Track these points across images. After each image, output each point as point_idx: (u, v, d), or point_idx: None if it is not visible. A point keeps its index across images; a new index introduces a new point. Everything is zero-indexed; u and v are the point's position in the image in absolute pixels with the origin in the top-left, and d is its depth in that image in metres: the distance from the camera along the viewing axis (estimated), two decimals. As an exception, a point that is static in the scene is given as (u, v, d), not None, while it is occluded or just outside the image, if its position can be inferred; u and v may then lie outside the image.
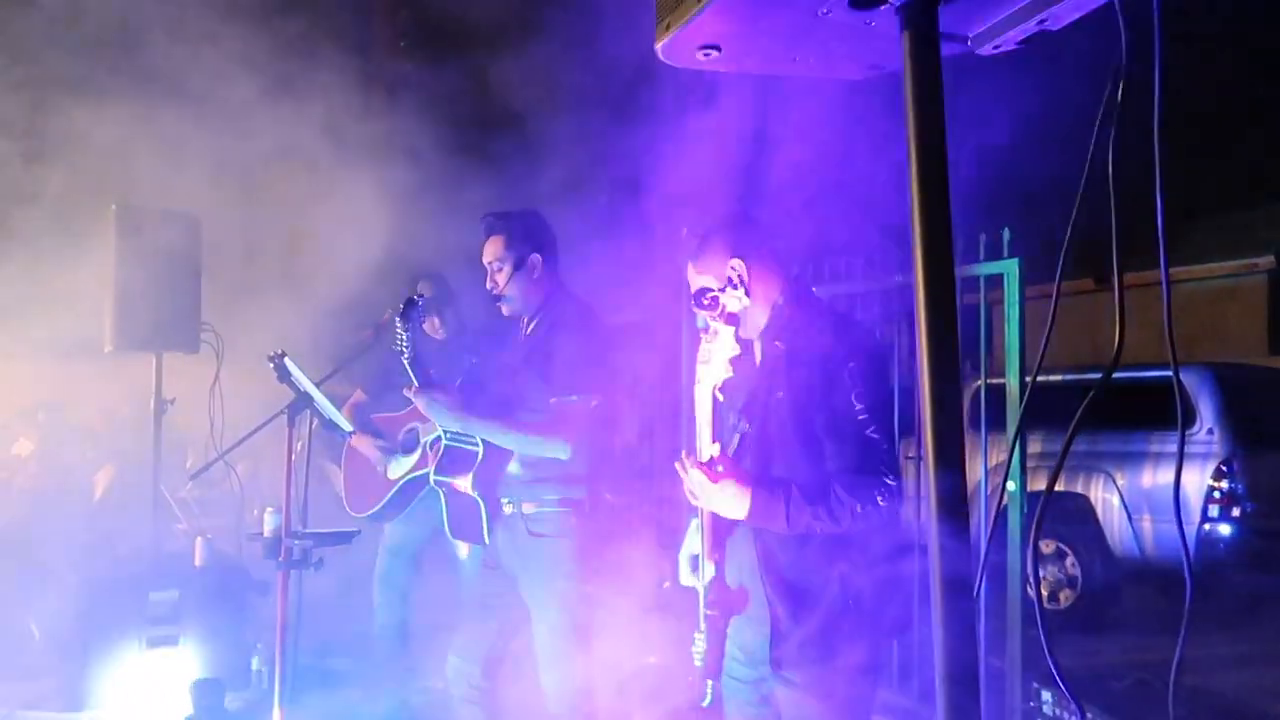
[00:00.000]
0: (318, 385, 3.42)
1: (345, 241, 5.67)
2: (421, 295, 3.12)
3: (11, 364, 8.74)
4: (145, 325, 4.44)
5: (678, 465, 2.03)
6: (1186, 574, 1.19)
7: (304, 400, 3.29)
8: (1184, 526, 6.38)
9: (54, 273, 5.65)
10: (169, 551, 5.29)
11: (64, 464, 6.58)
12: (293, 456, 3.32)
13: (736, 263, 2.20)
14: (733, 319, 1.96)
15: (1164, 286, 1.23)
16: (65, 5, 5.59)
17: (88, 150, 5.44)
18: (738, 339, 2.26)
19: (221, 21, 5.81)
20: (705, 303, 1.95)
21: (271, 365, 3.27)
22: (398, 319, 2.90)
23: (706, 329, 2.00)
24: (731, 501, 1.99)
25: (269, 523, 3.14)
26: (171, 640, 4.39)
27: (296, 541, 3.12)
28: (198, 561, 4.77)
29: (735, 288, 2.15)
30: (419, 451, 3.93)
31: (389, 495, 3.99)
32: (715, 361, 1.97)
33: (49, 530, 5.95)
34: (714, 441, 2.05)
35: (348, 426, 3.69)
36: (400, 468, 3.95)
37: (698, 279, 2.26)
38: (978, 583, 1.27)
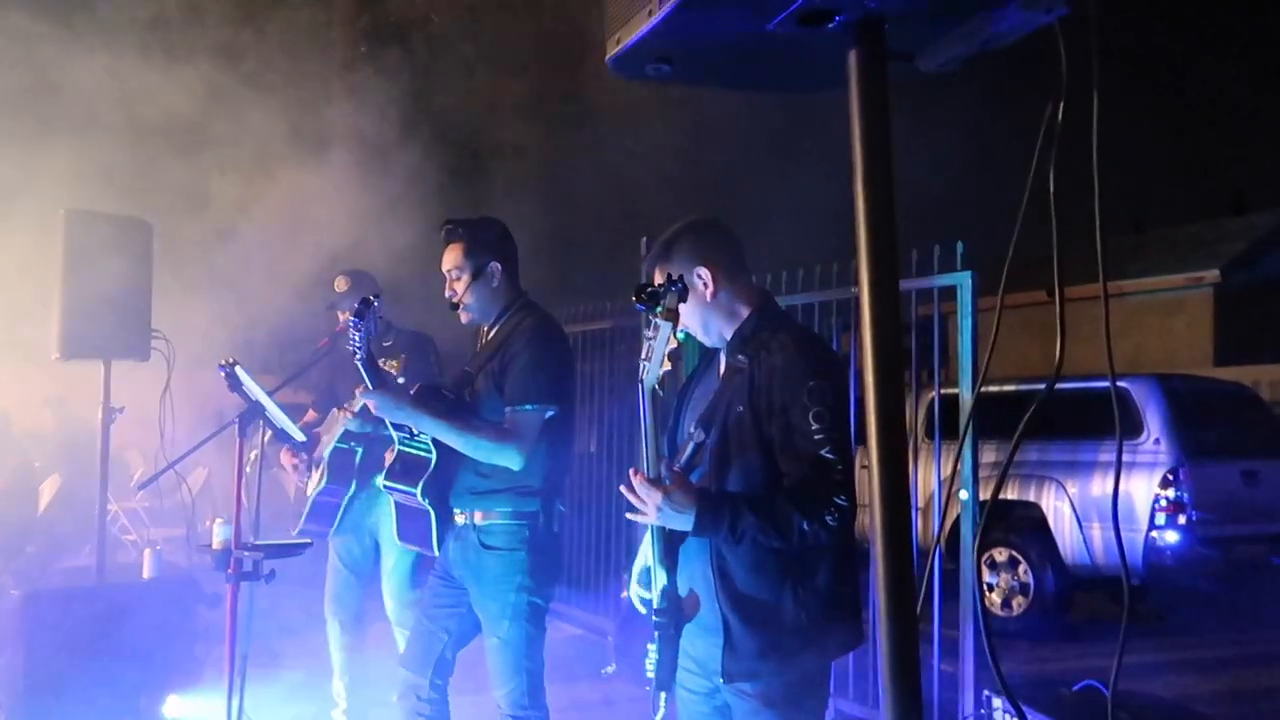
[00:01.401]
0: (270, 394, 3.37)
1: (301, 249, 5.62)
2: (378, 295, 3.07)
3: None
4: (94, 332, 4.34)
5: (627, 483, 2.03)
6: (1125, 582, 1.22)
7: (255, 410, 3.24)
8: (1133, 534, 6.52)
9: (4, 280, 5.52)
10: (118, 563, 5.19)
11: (9, 473, 6.41)
12: (245, 467, 3.27)
13: (704, 271, 2.20)
14: (673, 315, 1.96)
15: (1103, 300, 1.26)
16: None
17: (35, 154, 5.34)
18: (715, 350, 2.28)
19: (174, 23, 5.74)
20: (644, 298, 1.95)
21: (223, 374, 3.22)
22: (351, 319, 2.84)
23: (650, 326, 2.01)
24: (677, 514, 1.98)
25: (219, 534, 3.09)
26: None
27: (246, 553, 3.07)
28: (146, 573, 4.67)
29: (692, 291, 2.17)
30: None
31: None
32: (655, 357, 1.98)
33: (-8, 542, 5.81)
34: (659, 437, 2.05)
35: (300, 437, 3.64)
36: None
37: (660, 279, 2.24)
38: (921, 588, 1.29)
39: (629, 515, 2.07)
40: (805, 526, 1.95)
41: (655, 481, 1.99)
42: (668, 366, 1.99)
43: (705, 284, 2.21)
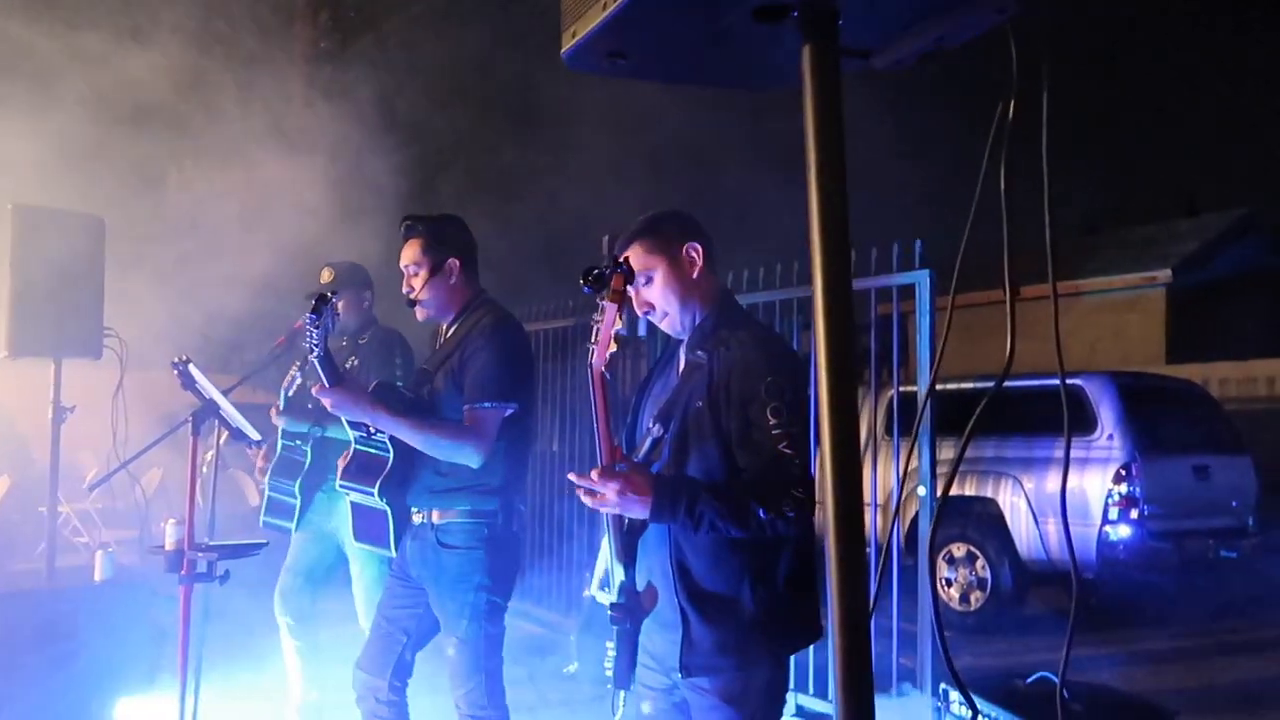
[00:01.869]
0: (225, 393, 3.32)
1: (258, 245, 5.55)
2: (335, 291, 3.02)
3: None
4: (44, 330, 4.25)
5: (580, 478, 2.02)
6: (1073, 574, 1.24)
7: (210, 409, 3.19)
8: (1087, 528, 6.63)
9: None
10: (68, 565, 5.08)
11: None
12: (199, 466, 3.22)
13: (697, 246, 2.22)
14: (619, 297, 1.97)
15: (1053, 299, 1.28)
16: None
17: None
18: (675, 346, 2.28)
19: (132, 18, 5.63)
20: (590, 280, 1.96)
21: (176, 372, 3.17)
22: (308, 315, 2.78)
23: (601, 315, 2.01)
24: (635, 496, 1.97)
25: (171, 535, 3.03)
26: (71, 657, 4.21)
27: (200, 554, 3.02)
28: (98, 576, 4.58)
29: (648, 283, 2.19)
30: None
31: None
32: (602, 340, 1.99)
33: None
34: (610, 420, 2.05)
35: (255, 435, 3.59)
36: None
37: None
38: (876, 583, 1.30)
39: (584, 499, 2.06)
40: (763, 515, 1.96)
41: (608, 471, 1.99)
42: (614, 348, 2.00)
43: (695, 260, 2.23)
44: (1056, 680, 3.10)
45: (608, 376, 2.03)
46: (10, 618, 4.20)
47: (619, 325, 2.00)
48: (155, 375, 4.79)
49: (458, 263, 3.02)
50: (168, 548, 3.04)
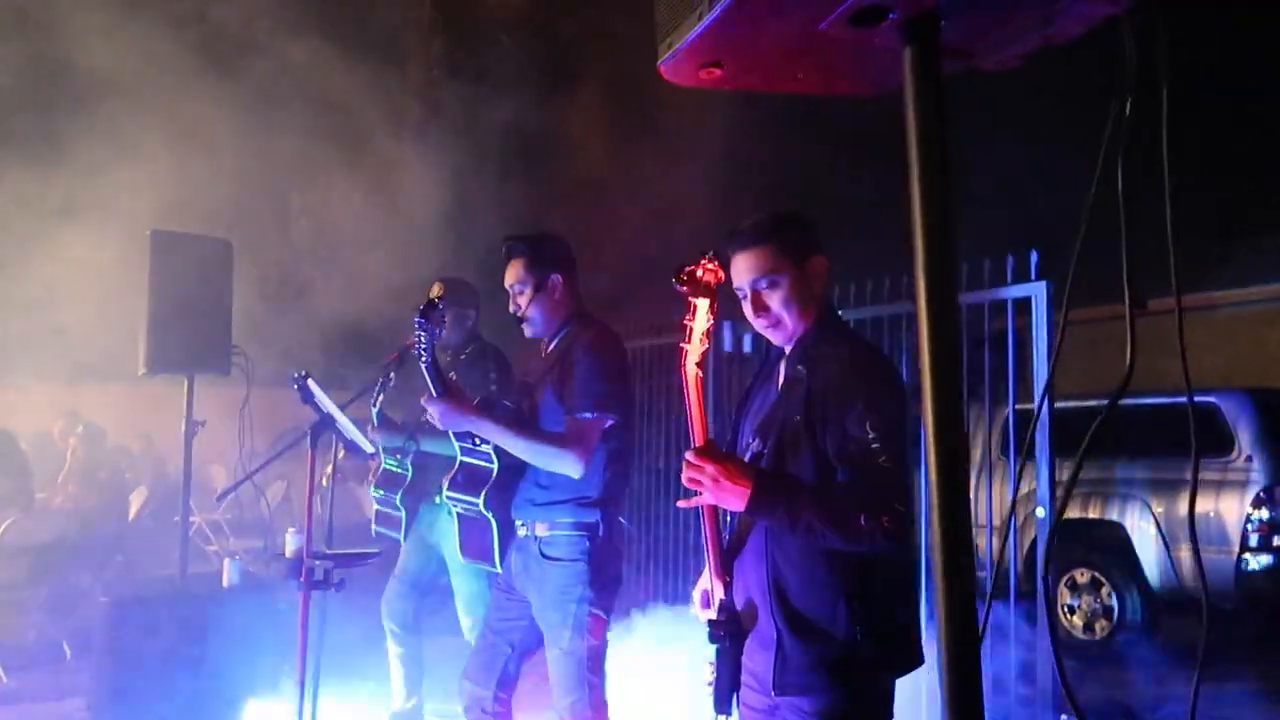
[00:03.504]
0: (342, 408, 3.43)
1: (373, 264, 5.74)
2: (442, 298, 3.09)
3: (51, 387, 8.93)
4: (178, 348, 4.50)
5: (687, 453, 2.00)
6: (1204, 604, 1.16)
7: (326, 422, 3.31)
8: (1224, 556, 6.23)
9: (91, 298, 5.77)
10: (199, 572, 5.34)
11: (100, 485, 6.67)
12: (316, 478, 3.34)
13: (822, 261, 2.17)
14: (710, 293, 1.94)
15: (1177, 312, 1.21)
16: (105, 27, 5.73)
17: (124, 177, 5.57)
18: (774, 361, 2.23)
19: (256, 50, 5.93)
20: (682, 278, 1.94)
21: (295, 387, 3.29)
22: (416, 319, 2.85)
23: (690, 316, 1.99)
24: (733, 484, 1.93)
25: (290, 544, 3.16)
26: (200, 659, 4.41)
27: (318, 562, 3.12)
28: (225, 582, 4.80)
29: (771, 288, 2.14)
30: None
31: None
32: (694, 338, 1.97)
33: (85, 551, 6.04)
34: (704, 420, 2.02)
35: (369, 448, 3.70)
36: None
37: (744, 274, 2.18)
38: (986, 609, 1.24)
39: (681, 504, 2.03)
40: (863, 523, 1.90)
41: (706, 450, 1.96)
42: (706, 346, 1.98)
43: (820, 274, 2.18)
44: (1183, 716, 2.92)
45: (701, 375, 2.01)
46: (147, 620, 4.44)
47: (710, 322, 1.98)
48: (277, 392, 5.00)
49: (560, 279, 3.06)
50: (288, 556, 3.15)
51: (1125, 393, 1.24)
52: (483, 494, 2.93)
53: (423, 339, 2.84)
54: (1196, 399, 6.28)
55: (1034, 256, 4.07)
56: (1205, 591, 1.21)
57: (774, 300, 2.15)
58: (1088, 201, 1.20)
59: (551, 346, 3.08)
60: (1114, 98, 1.13)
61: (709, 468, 1.94)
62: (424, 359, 2.87)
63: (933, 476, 1.09)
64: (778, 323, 2.17)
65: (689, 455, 1.98)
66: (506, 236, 3.13)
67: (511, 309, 3.11)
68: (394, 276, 5.23)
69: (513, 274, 3.09)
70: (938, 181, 1.12)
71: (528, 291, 3.05)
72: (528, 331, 3.11)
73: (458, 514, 3.08)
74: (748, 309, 2.20)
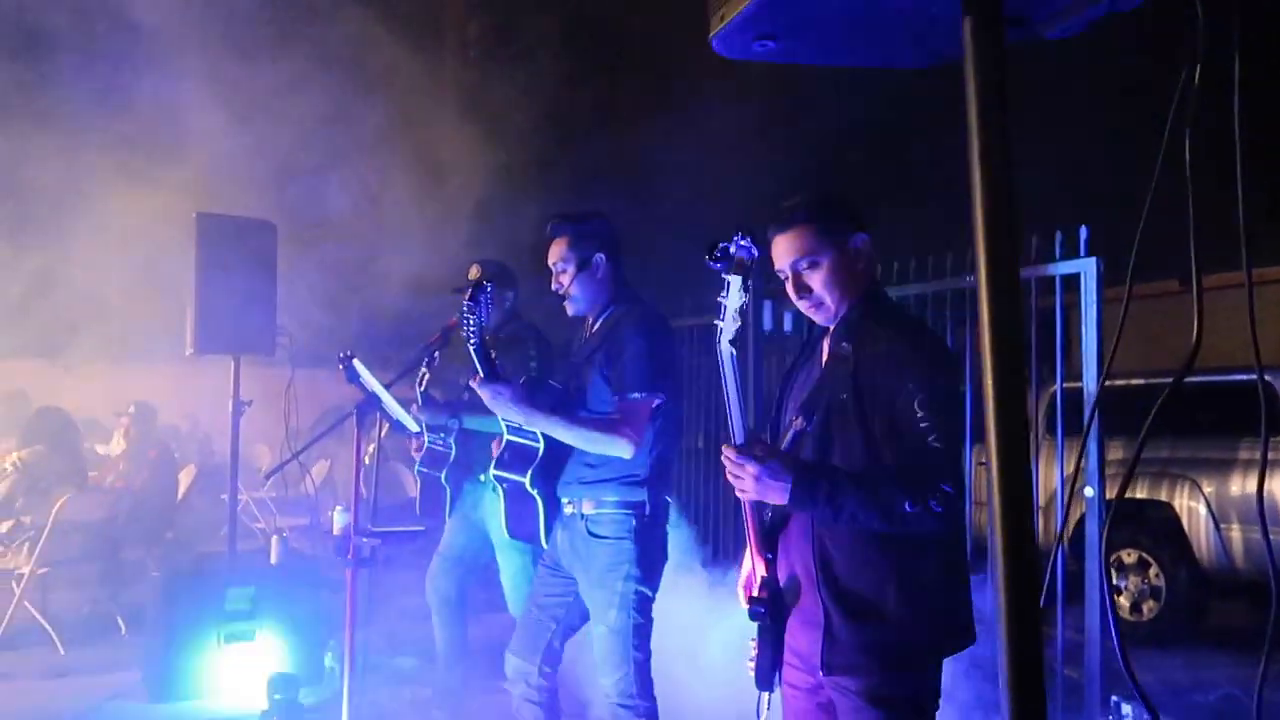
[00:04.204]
0: (387, 387, 3.46)
1: (416, 246, 5.77)
2: (490, 281, 3.09)
3: (103, 368, 9.12)
4: (224, 329, 4.56)
5: (725, 448, 1.99)
6: (1272, 581, 1.13)
7: (372, 401, 3.34)
8: (1277, 536, 6.09)
9: (139, 280, 5.87)
10: (246, 549, 5.44)
11: (151, 464, 6.80)
12: (362, 457, 3.37)
13: (864, 239, 2.14)
14: (744, 269, 1.93)
15: (1247, 282, 1.17)
16: (153, 18, 5.79)
17: (170, 161, 5.64)
18: (818, 338, 2.21)
19: (298, 33, 5.95)
20: (716, 255, 1.93)
21: (341, 366, 3.32)
22: (465, 302, 2.85)
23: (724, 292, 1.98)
24: (773, 481, 1.93)
25: (338, 521, 3.20)
26: (248, 635, 4.51)
27: (365, 540, 3.16)
28: (273, 559, 4.89)
29: (812, 268, 2.12)
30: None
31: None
32: (728, 315, 1.96)
33: (136, 528, 6.17)
34: (740, 403, 2.01)
35: (414, 427, 3.74)
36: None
37: (785, 255, 2.16)
38: (1044, 588, 1.22)
39: (730, 478, 2.02)
40: (909, 509, 1.87)
41: (746, 448, 1.95)
42: (739, 323, 1.97)
43: (862, 253, 2.15)
44: (1243, 696, 2.87)
45: (734, 353, 2.00)
46: (198, 595, 4.54)
47: (744, 300, 1.96)
48: (321, 372, 5.06)
49: (604, 257, 3.05)
50: (335, 533, 3.19)
51: (1189, 371, 1.21)
52: (529, 472, 2.94)
53: (470, 321, 2.84)
54: (1249, 376, 6.13)
55: (1083, 232, 3.98)
56: (1274, 572, 1.17)
57: (815, 281, 2.14)
58: (1154, 174, 1.16)
59: (596, 326, 3.08)
60: (1182, 66, 1.09)
61: (749, 466, 1.94)
62: (473, 340, 2.87)
63: (993, 457, 1.07)
64: (820, 304, 2.15)
65: (729, 454, 1.97)
66: (552, 215, 3.13)
67: (554, 287, 3.12)
68: (436, 258, 5.25)
69: (556, 253, 3.09)
70: (999, 156, 1.09)
71: (570, 270, 3.05)
72: (570, 310, 3.11)
73: (504, 491, 3.10)
74: (790, 290, 2.18)
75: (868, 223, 2.20)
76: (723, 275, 1.96)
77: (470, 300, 2.84)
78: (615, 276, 3.10)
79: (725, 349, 1.99)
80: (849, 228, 2.15)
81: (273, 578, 4.75)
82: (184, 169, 5.47)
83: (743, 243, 1.94)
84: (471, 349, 2.89)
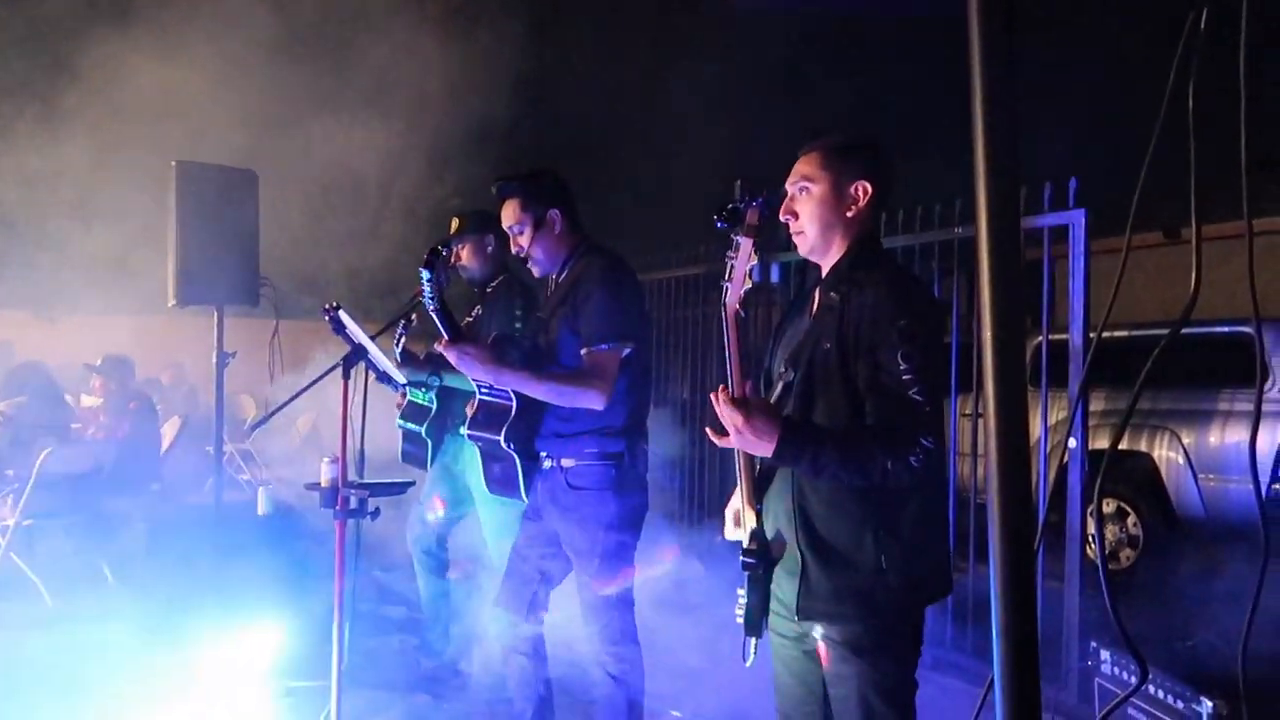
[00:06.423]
0: (373, 339, 3.43)
1: (404, 197, 5.70)
2: (447, 245, 3.05)
3: (82, 319, 9.02)
4: (206, 280, 4.49)
5: (713, 397, 1.99)
6: (1263, 534, 1.14)
7: (358, 353, 3.31)
8: (1251, 485, 6.19)
9: (118, 231, 5.78)
10: (232, 500, 5.43)
11: (132, 415, 6.75)
12: (349, 408, 3.35)
13: (867, 186, 2.11)
14: (754, 231, 1.91)
15: (1248, 232, 1.17)
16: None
17: (148, 109, 5.52)
18: (810, 288, 2.21)
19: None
20: (724, 215, 1.92)
21: (326, 318, 3.29)
22: (421, 270, 2.82)
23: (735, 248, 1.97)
24: (759, 437, 1.93)
25: (325, 473, 3.18)
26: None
27: (352, 491, 3.15)
28: (260, 510, 4.89)
29: (803, 193, 2.11)
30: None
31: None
32: (736, 276, 1.95)
33: (121, 479, 6.15)
34: (745, 359, 2.01)
35: (401, 379, 3.71)
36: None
37: (792, 175, 2.15)
38: (1036, 541, 1.23)
39: (712, 436, 2.03)
40: (889, 465, 1.89)
41: (739, 401, 1.95)
42: (748, 285, 1.96)
43: (857, 199, 2.12)
44: (1219, 644, 2.93)
45: (742, 315, 1.99)
46: (184, 546, 4.55)
47: (753, 262, 1.95)
48: (304, 323, 5.02)
49: (559, 213, 3.02)
50: (323, 485, 3.18)
51: (1182, 322, 1.21)
52: (503, 430, 2.93)
53: (427, 289, 2.81)
54: (1232, 328, 6.19)
55: (1073, 183, 3.97)
56: (1264, 522, 1.19)
57: (800, 205, 2.14)
58: (1158, 121, 1.15)
59: (561, 279, 3.06)
60: (1189, 9, 1.08)
61: (738, 418, 1.93)
62: (432, 305, 2.85)
63: (990, 407, 1.07)
64: (800, 232, 2.16)
65: (721, 401, 1.96)
66: (496, 178, 3.08)
67: (514, 250, 3.09)
68: (418, 208, 5.19)
69: (509, 215, 3.05)
70: (1002, 103, 1.08)
71: (527, 230, 3.01)
72: (536, 272, 3.09)
73: (480, 449, 3.10)
74: (782, 211, 2.18)
75: (894, 185, 2.18)
76: (731, 236, 1.95)
77: (425, 267, 2.80)
78: (573, 229, 3.07)
79: (731, 311, 1.97)
80: (858, 170, 2.13)
81: (261, 527, 4.76)
82: (167, 118, 5.36)
83: (755, 204, 1.92)
84: (432, 313, 2.87)
